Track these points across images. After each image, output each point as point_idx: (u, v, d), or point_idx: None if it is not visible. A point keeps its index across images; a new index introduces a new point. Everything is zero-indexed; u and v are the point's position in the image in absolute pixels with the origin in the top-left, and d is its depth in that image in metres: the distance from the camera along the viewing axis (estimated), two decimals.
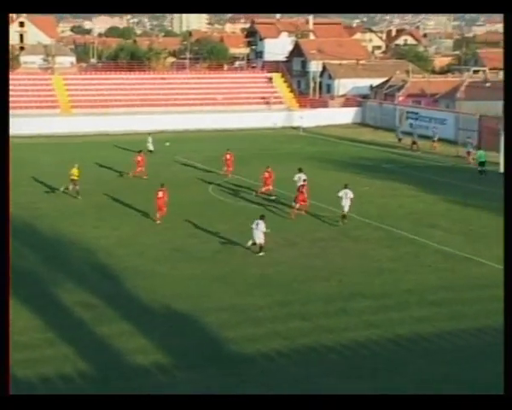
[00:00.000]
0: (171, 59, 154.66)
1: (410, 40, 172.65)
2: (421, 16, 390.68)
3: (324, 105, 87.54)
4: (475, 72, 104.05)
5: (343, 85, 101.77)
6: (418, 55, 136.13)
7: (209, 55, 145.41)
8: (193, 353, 22.06)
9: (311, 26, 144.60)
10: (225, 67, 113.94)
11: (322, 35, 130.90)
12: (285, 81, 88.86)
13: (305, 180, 40.67)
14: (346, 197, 37.69)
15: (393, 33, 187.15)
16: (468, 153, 57.18)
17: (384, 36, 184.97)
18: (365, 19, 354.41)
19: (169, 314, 25.14)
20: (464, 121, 65.15)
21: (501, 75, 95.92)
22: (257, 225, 32.10)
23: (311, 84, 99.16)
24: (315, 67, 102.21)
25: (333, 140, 69.69)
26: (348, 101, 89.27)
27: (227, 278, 29.16)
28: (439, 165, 56.85)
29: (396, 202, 42.63)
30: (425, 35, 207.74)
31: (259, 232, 31.94)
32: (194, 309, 25.49)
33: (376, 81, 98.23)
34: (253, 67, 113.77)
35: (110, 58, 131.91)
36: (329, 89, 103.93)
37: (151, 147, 59.64)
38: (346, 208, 37.55)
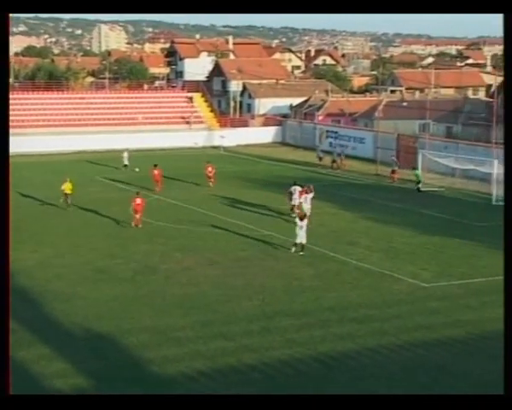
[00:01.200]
0: (90, 79, 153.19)
1: (329, 60, 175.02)
2: (339, 37, 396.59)
3: (245, 124, 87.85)
4: (392, 91, 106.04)
5: (263, 105, 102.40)
6: (337, 74, 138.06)
7: (129, 74, 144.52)
8: (114, 375, 21.73)
9: (230, 46, 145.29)
10: (145, 86, 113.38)
11: (242, 55, 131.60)
12: (205, 101, 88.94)
13: (302, 187, 44.08)
14: (306, 201, 41.67)
15: (312, 53, 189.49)
16: (393, 171, 57.89)
17: (303, 56, 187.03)
18: (284, 39, 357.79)
19: (90, 337, 24.74)
20: (382, 140, 66.15)
21: (417, 95, 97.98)
22: (301, 227, 35.22)
23: (232, 104, 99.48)
24: (235, 86, 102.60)
25: (254, 159, 69.97)
26: (268, 120, 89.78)
27: (148, 298, 28.89)
28: (360, 183, 57.59)
29: (317, 220, 42.93)
30: (343, 55, 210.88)
31: (303, 232, 35.07)
32: (116, 331, 25.15)
33: (296, 100, 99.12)
34: (174, 86, 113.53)
35: (27, 78, 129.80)
36: (250, 108, 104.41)
37: (126, 161, 62.22)
38: (308, 212, 40.45)
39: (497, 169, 50.95)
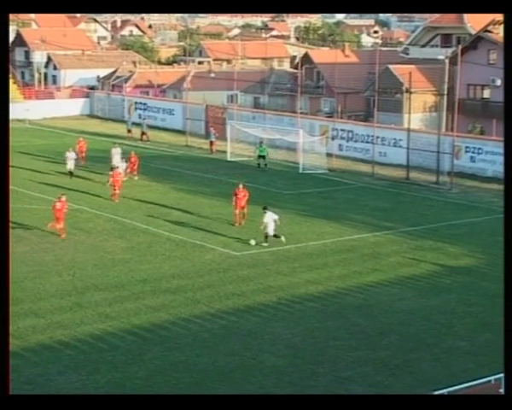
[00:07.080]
0: None
1: (136, 31, 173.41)
2: None
3: (51, 96, 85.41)
4: (200, 63, 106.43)
5: (69, 76, 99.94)
6: (144, 45, 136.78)
7: None
8: None
9: (32, 15, 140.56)
10: None
11: (45, 24, 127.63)
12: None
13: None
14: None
15: (119, 24, 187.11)
16: (212, 143, 58.03)
17: (109, 26, 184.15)
18: None
19: None
20: (191, 111, 66.35)
21: (224, 66, 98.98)
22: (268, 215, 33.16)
23: (36, 76, 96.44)
24: (39, 57, 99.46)
25: (61, 132, 68.26)
26: (75, 92, 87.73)
27: None
28: (170, 154, 57.50)
29: (128, 193, 42.56)
30: (150, 26, 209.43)
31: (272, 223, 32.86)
32: None
33: (103, 72, 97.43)
34: None
35: None
36: (55, 80, 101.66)
37: None
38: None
39: (302, 138, 52.43)
